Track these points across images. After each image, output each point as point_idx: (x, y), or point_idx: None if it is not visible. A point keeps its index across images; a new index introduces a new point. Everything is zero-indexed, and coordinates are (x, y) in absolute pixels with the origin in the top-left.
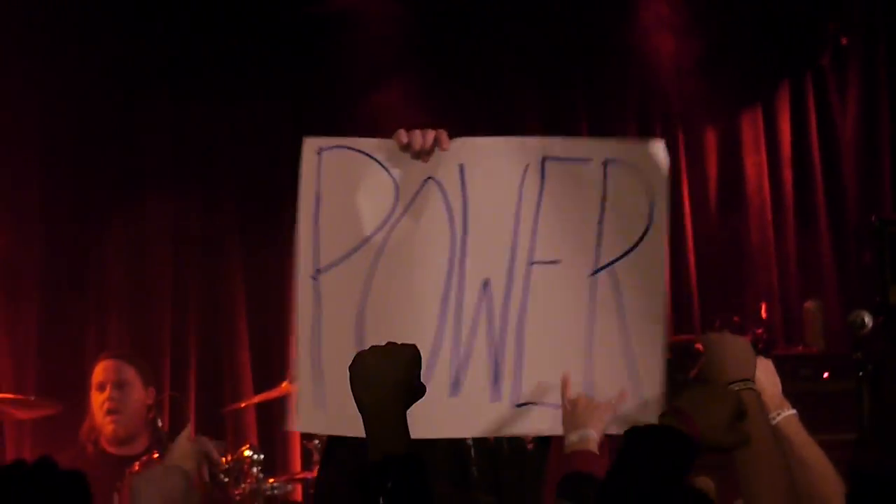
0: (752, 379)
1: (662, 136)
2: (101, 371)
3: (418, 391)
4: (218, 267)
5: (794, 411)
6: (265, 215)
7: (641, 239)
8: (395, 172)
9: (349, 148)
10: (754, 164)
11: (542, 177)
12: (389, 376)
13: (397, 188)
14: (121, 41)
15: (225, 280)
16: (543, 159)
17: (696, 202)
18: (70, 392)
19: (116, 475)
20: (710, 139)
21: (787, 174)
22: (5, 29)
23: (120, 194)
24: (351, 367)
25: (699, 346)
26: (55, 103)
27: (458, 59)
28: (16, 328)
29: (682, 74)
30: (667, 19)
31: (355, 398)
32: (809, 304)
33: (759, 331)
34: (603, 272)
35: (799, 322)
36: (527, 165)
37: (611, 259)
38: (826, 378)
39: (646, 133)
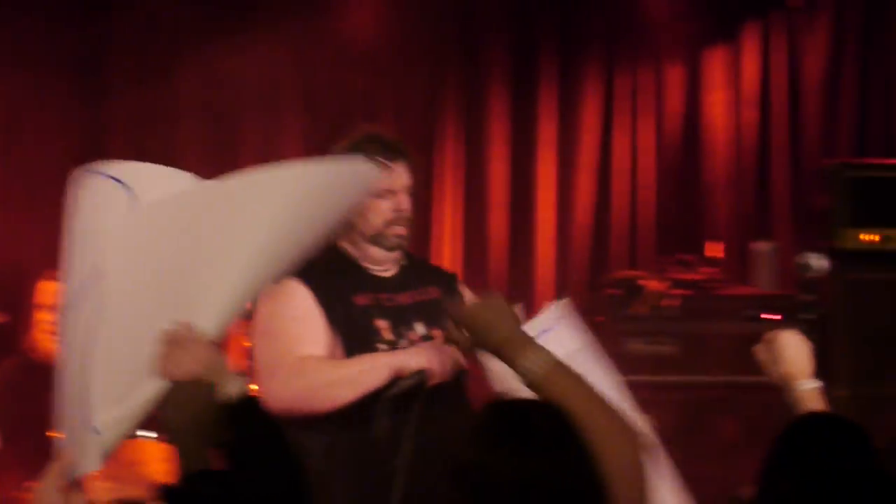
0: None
1: (628, 70)
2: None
3: None
4: None
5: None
6: None
7: None
8: None
9: None
10: (718, 101)
11: None
12: None
13: None
14: None
15: None
16: None
17: (660, 138)
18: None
19: None
20: (676, 75)
21: (751, 114)
22: None
23: None
24: None
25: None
26: None
27: None
28: None
29: (650, 9)
30: None
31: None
32: (757, 245)
33: (710, 270)
34: None
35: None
36: None
37: None
38: (779, 319)
39: (611, 67)
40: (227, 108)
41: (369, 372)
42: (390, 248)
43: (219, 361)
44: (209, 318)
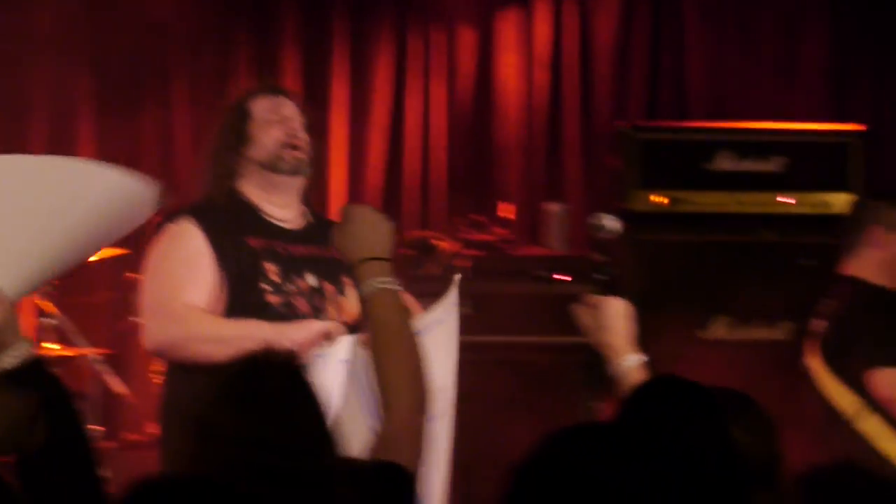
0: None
1: (420, 31)
2: None
3: None
4: None
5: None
6: None
7: None
8: None
9: None
10: (510, 63)
11: None
12: None
13: None
14: None
15: None
16: None
17: (452, 99)
18: None
19: None
20: (468, 37)
21: (543, 76)
22: None
23: None
24: None
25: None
26: None
27: None
28: None
29: None
30: None
31: None
32: (549, 206)
33: (502, 231)
34: None
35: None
36: None
37: None
38: (569, 281)
39: (403, 28)
40: (15, 70)
41: (244, 339)
42: (289, 172)
43: (13, 322)
44: (10, 278)
